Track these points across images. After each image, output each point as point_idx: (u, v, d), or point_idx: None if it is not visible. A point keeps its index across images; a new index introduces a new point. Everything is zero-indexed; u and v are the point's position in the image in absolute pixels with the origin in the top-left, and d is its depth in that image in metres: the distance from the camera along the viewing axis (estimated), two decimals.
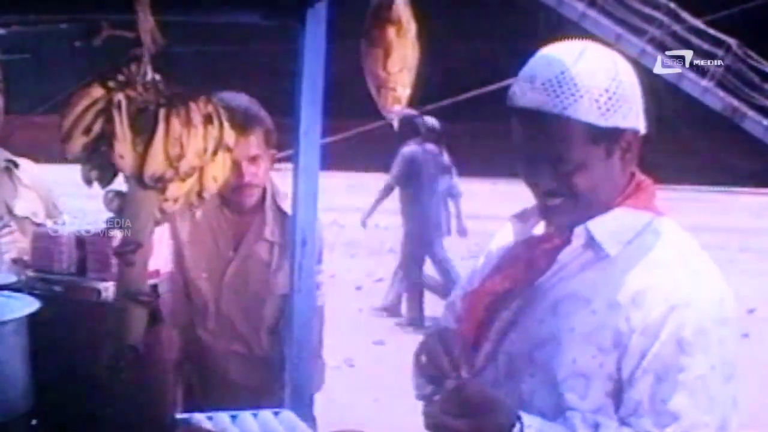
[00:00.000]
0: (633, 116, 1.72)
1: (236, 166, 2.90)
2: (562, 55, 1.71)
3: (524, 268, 1.81)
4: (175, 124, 1.97)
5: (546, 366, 1.72)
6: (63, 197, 3.12)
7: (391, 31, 1.99)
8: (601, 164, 1.72)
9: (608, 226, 1.74)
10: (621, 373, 1.68)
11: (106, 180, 2.06)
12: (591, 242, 1.74)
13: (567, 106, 1.67)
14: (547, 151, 1.71)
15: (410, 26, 2.02)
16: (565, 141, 1.69)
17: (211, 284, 3.09)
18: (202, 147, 2.01)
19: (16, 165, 2.97)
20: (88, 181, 2.09)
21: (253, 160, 2.96)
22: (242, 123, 2.83)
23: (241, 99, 2.96)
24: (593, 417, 1.69)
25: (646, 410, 1.66)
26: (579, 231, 1.74)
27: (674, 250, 1.74)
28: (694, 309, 1.67)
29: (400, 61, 1.99)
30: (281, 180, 3.14)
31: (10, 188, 2.93)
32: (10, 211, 2.88)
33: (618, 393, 1.70)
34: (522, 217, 1.90)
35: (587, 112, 1.67)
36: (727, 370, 1.68)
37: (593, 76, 1.68)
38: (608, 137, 1.70)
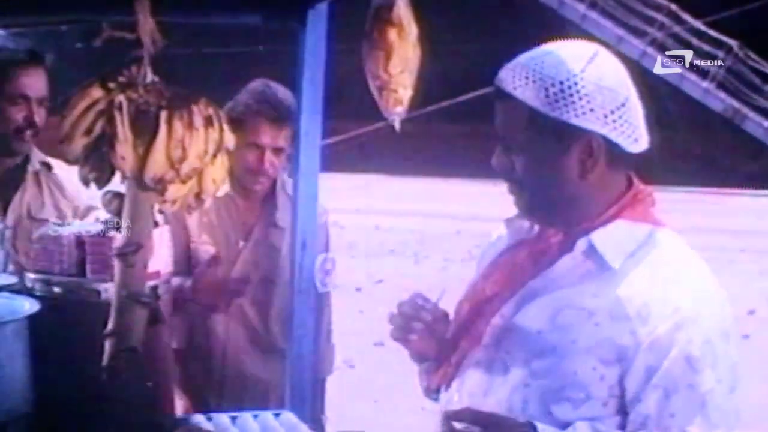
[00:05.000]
0: (593, 119, 1.67)
1: (260, 150, 2.95)
2: (548, 47, 1.74)
3: (511, 271, 1.81)
4: (177, 126, 1.97)
5: (544, 376, 1.70)
6: None
7: (393, 33, 1.99)
8: (549, 159, 1.71)
9: (610, 238, 1.72)
10: (624, 388, 1.67)
11: (103, 180, 2.06)
12: (592, 253, 1.72)
13: (517, 86, 1.69)
14: (500, 130, 1.75)
15: (411, 28, 2.02)
16: (510, 121, 1.72)
17: (219, 273, 3.09)
18: (203, 149, 2.01)
19: (49, 168, 2.97)
20: (86, 182, 2.10)
21: (277, 151, 2.99)
22: (282, 114, 2.89)
23: (287, 93, 3.00)
24: (601, 426, 1.68)
25: (655, 425, 1.65)
26: (581, 243, 1.73)
27: (676, 263, 1.73)
28: (701, 324, 1.66)
29: (402, 63, 1.99)
30: None
31: (35, 192, 2.92)
32: (29, 214, 2.87)
33: (618, 406, 1.69)
34: (515, 220, 1.89)
35: (533, 97, 1.68)
36: (731, 381, 1.68)
37: (553, 68, 1.69)
38: (555, 130, 1.68)
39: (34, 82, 2.84)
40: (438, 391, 1.91)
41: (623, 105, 1.70)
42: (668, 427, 1.65)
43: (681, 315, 1.65)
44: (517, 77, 1.70)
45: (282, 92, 2.99)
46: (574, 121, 1.67)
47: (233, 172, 3.02)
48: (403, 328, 1.87)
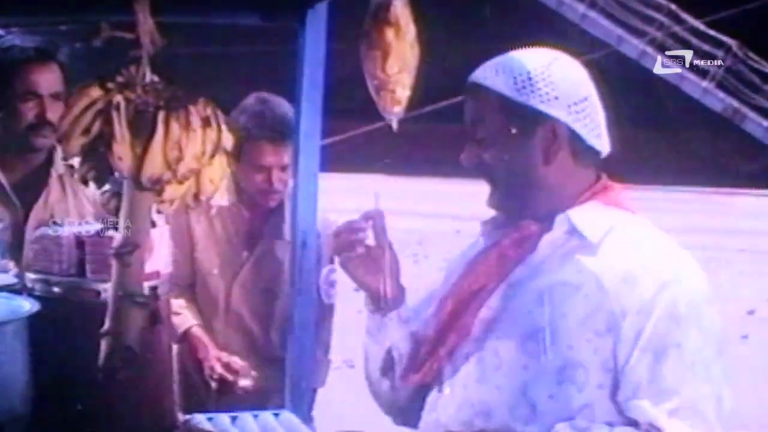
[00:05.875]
0: (558, 106, 1.79)
1: (266, 172, 2.94)
2: (515, 52, 1.86)
3: (495, 262, 1.85)
4: (174, 127, 1.97)
5: (540, 354, 1.74)
6: None
7: (390, 33, 1.99)
8: (516, 145, 1.80)
9: (587, 216, 1.80)
10: (616, 359, 1.71)
11: (101, 180, 2.06)
12: (572, 231, 1.79)
13: (487, 77, 1.82)
14: (469, 122, 1.85)
15: (409, 28, 2.02)
16: (480, 110, 1.84)
17: (222, 281, 3.09)
18: (200, 150, 2.01)
19: (73, 171, 2.95)
20: (84, 181, 2.10)
21: (284, 168, 2.97)
22: (285, 132, 2.87)
23: (284, 107, 2.98)
24: (582, 423, 1.71)
25: (646, 390, 1.70)
26: (561, 219, 1.80)
27: (654, 235, 1.81)
28: (684, 285, 1.74)
29: (399, 63, 2.00)
30: None
31: (60, 196, 2.90)
32: (52, 218, 2.85)
33: (612, 385, 1.72)
34: (490, 222, 1.95)
35: (503, 85, 1.80)
36: (717, 343, 1.74)
37: (521, 62, 1.82)
38: (521, 115, 1.79)
39: (46, 78, 2.82)
40: (423, 387, 1.90)
41: (586, 99, 1.82)
42: (660, 391, 1.69)
43: (665, 277, 1.72)
44: (488, 70, 1.84)
45: (280, 107, 2.96)
46: (540, 107, 1.79)
47: (244, 189, 3.02)
48: (347, 242, 1.91)
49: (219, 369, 3.00)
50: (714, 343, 1.73)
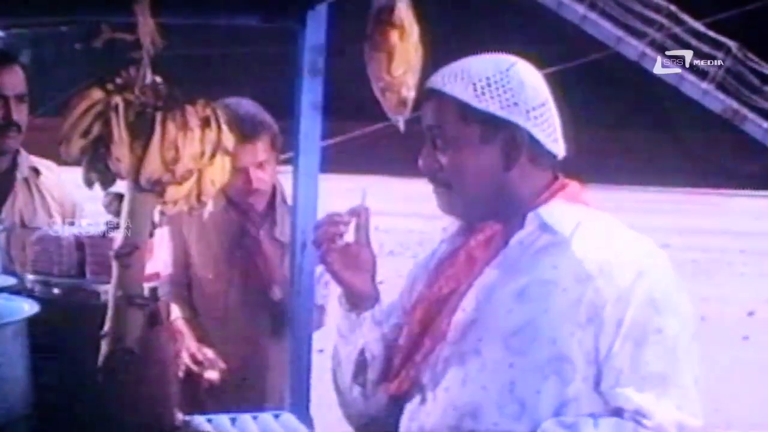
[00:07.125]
0: (517, 113, 1.79)
1: (244, 172, 2.92)
2: (474, 56, 1.87)
3: (464, 264, 1.85)
4: (171, 128, 1.97)
5: (525, 352, 1.74)
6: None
7: (394, 35, 2.00)
8: (475, 151, 1.80)
9: (555, 212, 1.81)
10: (598, 349, 1.73)
11: (107, 182, 2.06)
12: (544, 228, 1.80)
13: (446, 83, 1.81)
14: (428, 129, 1.84)
15: (413, 29, 2.03)
16: (440, 116, 1.82)
17: (219, 285, 3.09)
18: (198, 151, 2.01)
19: (38, 173, 2.95)
20: (89, 183, 2.09)
21: (261, 165, 2.98)
22: (249, 130, 2.87)
23: (247, 106, 2.98)
24: (569, 418, 1.72)
25: (629, 377, 1.72)
26: (531, 217, 1.81)
27: (620, 227, 1.84)
28: (659, 273, 1.76)
29: (404, 64, 2.00)
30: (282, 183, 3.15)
31: (27, 199, 2.91)
32: (22, 223, 2.86)
33: (595, 376, 1.74)
34: (450, 228, 1.95)
35: (462, 91, 1.80)
36: (691, 329, 1.78)
37: (479, 66, 1.83)
38: (481, 120, 1.79)
39: (9, 80, 2.83)
40: (399, 395, 1.89)
41: (544, 104, 1.82)
42: (644, 376, 1.71)
43: (640, 265, 1.75)
44: (447, 76, 1.83)
45: (242, 107, 2.95)
46: (500, 113, 1.79)
47: (229, 193, 3.01)
48: (327, 235, 1.87)
49: (186, 360, 2.98)
50: (690, 327, 1.77)
